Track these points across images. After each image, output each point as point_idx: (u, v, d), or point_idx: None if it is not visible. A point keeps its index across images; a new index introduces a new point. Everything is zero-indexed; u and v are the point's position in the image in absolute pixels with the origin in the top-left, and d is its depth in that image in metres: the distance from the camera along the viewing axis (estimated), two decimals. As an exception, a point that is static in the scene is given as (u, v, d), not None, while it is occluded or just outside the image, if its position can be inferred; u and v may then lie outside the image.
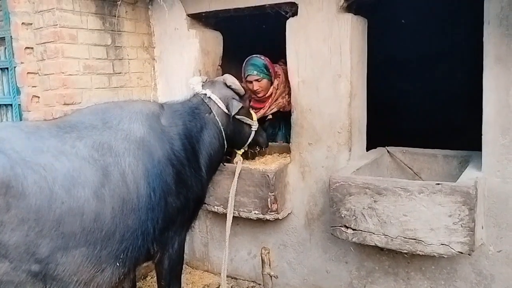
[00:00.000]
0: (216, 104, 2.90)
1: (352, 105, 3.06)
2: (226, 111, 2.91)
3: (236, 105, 2.90)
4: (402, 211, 2.48)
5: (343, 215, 2.69)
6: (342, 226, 2.71)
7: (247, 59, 3.66)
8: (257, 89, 3.59)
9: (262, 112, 3.67)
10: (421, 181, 2.73)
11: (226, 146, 3.00)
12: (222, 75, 3.96)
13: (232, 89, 3.00)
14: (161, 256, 2.63)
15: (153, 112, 2.64)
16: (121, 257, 2.20)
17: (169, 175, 2.49)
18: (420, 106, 5.53)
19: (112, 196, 2.14)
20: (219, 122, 2.89)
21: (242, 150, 3.28)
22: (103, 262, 2.12)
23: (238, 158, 3.22)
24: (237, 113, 2.94)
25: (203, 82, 3.08)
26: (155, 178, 2.39)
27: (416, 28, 5.17)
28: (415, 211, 2.45)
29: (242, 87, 3.09)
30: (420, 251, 2.48)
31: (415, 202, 2.44)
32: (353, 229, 2.66)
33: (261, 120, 3.62)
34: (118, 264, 2.20)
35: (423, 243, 2.45)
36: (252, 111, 3.29)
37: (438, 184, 2.40)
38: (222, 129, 2.90)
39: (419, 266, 2.91)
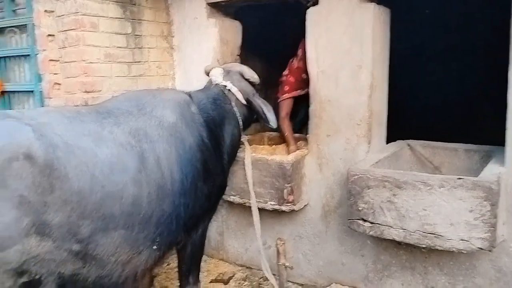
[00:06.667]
0: (235, 95, 2.94)
1: (373, 97, 3.01)
2: (244, 102, 2.95)
3: (273, 117, 2.95)
4: (422, 205, 2.45)
5: (360, 208, 2.66)
6: (359, 219, 2.69)
7: None
8: None
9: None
10: (442, 175, 2.68)
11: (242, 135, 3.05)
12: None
13: (250, 82, 3.03)
14: (185, 242, 2.68)
15: (184, 99, 2.69)
16: (157, 240, 2.25)
17: (199, 161, 2.53)
18: (442, 99, 5.42)
19: (148, 181, 2.18)
20: (237, 112, 2.93)
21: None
22: (141, 245, 2.17)
23: (244, 137, 3.20)
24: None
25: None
26: (186, 164, 2.43)
27: (440, 19, 5.07)
28: (435, 205, 2.41)
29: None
30: (439, 246, 2.45)
31: (435, 197, 2.41)
32: (371, 223, 2.64)
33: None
34: (154, 247, 2.25)
35: (442, 238, 2.42)
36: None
37: (460, 178, 2.36)
38: (240, 119, 2.93)
39: (437, 261, 2.88)
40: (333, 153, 3.19)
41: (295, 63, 3.83)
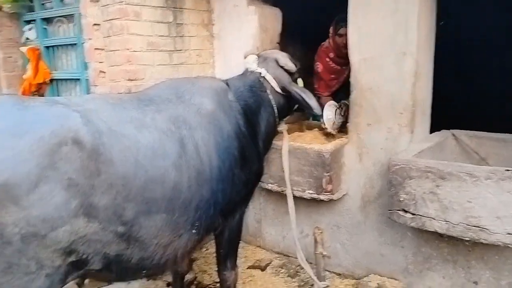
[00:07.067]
0: (270, 83, 2.91)
1: (417, 85, 2.92)
2: (278, 90, 2.92)
3: (315, 103, 2.86)
4: (466, 197, 2.36)
5: (401, 199, 2.61)
6: (400, 210, 2.64)
7: (339, 15, 3.63)
8: (346, 43, 3.52)
9: (346, 73, 3.69)
10: (488, 167, 2.57)
11: (278, 122, 3.03)
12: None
13: (284, 69, 2.97)
14: (222, 228, 2.73)
15: (221, 87, 2.72)
16: (196, 224, 2.31)
17: (236, 148, 2.56)
18: (490, 87, 5.18)
19: (188, 167, 2.23)
20: (272, 100, 2.91)
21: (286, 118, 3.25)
22: (181, 228, 2.22)
23: (283, 126, 3.19)
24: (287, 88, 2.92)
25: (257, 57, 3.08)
26: (224, 151, 2.47)
27: (489, 4, 4.81)
28: (481, 197, 2.32)
29: (294, 64, 3.04)
30: (483, 239, 2.36)
31: (481, 189, 2.32)
32: (412, 214, 2.58)
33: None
34: (193, 231, 2.31)
35: (487, 231, 2.33)
36: (299, 80, 3.19)
37: (508, 170, 2.26)
38: (275, 107, 2.92)
39: (481, 255, 2.78)
40: (374, 142, 3.13)
41: (325, 43, 3.82)
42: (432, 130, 3.30)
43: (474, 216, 2.35)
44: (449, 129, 3.30)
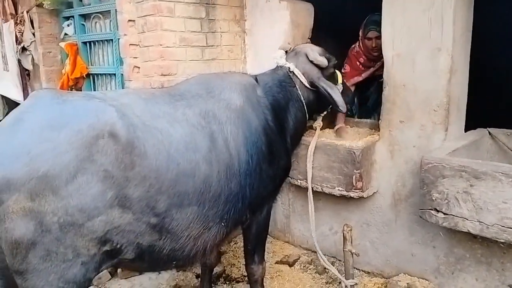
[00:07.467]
0: (299, 78, 2.90)
1: (452, 81, 2.84)
2: (308, 85, 2.91)
3: (340, 100, 2.84)
4: (502, 198, 2.29)
5: (434, 198, 2.56)
6: (432, 210, 2.58)
7: (368, 16, 3.64)
8: (375, 46, 3.57)
9: (371, 70, 3.70)
10: (526, 167, 2.49)
11: (307, 118, 3.02)
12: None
13: (314, 64, 2.95)
14: (250, 222, 2.77)
15: (250, 83, 2.75)
16: (225, 217, 2.36)
17: (264, 143, 2.58)
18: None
19: (218, 161, 2.28)
20: (301, 95, 2.91)
21: (322, 114, 3.25)
22: (210, 221, 2.28)
23: (318, 123, 3.17)
24: (319, 81, 2.88)
25: (286, 50, 3.06)
26: (252, 145, 2.50)
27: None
28: (517, 199, 2.25)
29: (327, 58, 3.00)
30: (519, 242, 2.29)
31: (517, 189, 2.25)
32: (444, 214, 2.53)
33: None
34: (222, 224, 2.36)
35: (524, 233, 2.26)
36: (338, 72, 3.18)
37: (548, 171, 2.18)
38: (304, 102, 2.92)
39: (517, 257, 2.70)
40: (406, 140, 3.07)
41: (355, 47, 3.78)
42: (467, 129, 3.21)
43: (510, 217, 2.28)
44: (485, 128, 3.21)
